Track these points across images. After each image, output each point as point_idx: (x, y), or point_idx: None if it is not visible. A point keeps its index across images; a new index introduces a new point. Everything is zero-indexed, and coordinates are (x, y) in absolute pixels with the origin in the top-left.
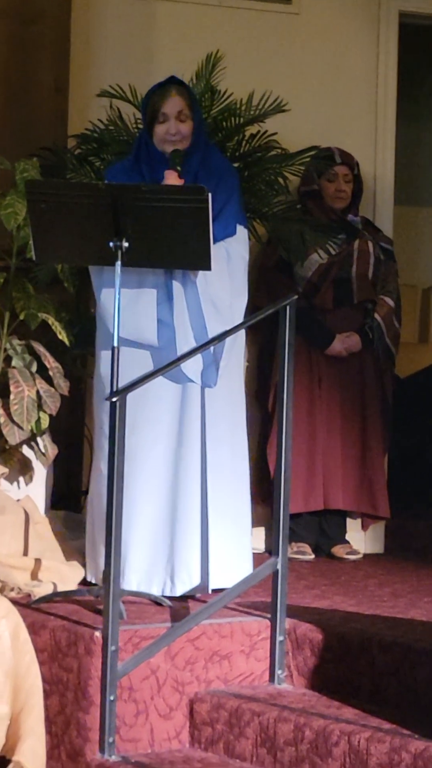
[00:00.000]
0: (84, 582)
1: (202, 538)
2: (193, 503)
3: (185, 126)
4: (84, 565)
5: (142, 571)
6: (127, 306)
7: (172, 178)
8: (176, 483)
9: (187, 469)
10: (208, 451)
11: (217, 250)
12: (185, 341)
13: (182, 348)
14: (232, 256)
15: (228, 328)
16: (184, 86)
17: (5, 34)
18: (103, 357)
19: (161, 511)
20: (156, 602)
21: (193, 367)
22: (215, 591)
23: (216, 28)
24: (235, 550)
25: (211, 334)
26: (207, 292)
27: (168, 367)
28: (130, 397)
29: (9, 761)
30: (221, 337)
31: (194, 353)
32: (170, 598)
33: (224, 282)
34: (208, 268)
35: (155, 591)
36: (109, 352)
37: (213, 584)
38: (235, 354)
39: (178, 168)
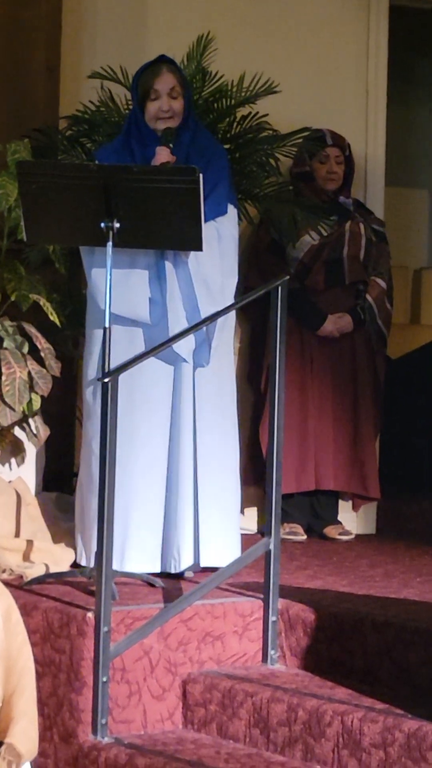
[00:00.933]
0: (75, 564)
1: (194, 517)
2: (187, 483)
3: (177, 103)
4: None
5: (142, 550)
6: (118, 283)
7: (163, 155)
8: (172, 463)
9: (182, 449)
10: (198, 430)
11: (207, 230)
12: (177, 321)
13: (174, 328)
14: (222, 236)
15: (219, 307)
16: (174, 65)
17: None
18: (94, 337)
19: (160, 490)
20: (148, 583)
21: (185, 346)
22: (206, 569)
23: (207, 10)
24: (225, 528)
25: (204, 314)
26: (199, 272)
27: (161, 347)
28: (124, 377)
29: (1, 743)
30: (214, 317)
31: (187, 333)
32: (163, 577)
33: (215, 262)
34: (199, 248)
35: (154, 569)
36: (100, 331)
37: (204, 562)
38: (226, 334)
39: (170, 145)
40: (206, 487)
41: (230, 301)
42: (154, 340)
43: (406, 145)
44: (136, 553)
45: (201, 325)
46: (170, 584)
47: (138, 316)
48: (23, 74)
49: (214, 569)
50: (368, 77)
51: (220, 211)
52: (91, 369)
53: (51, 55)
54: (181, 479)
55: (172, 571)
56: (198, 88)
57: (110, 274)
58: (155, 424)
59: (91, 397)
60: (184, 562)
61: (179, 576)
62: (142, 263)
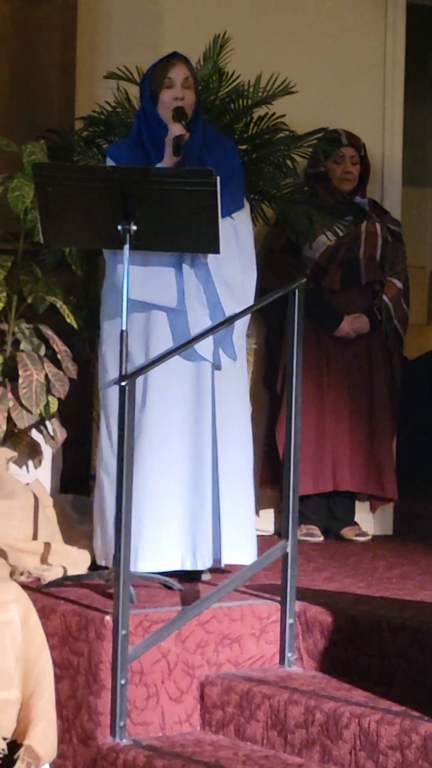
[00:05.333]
0: (92, 567)
1: (214, 514)
2: (208, 481)
3: (190, 94)
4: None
5: (160, 547)
6: (140, 273)
7: (176, 128)
8: (193, 460)
9: (202, 450)
10: (218, 431)
11: (224, 227)
12: (197, 322)
13: (194, 328)
14: (239, 233)
15: (241, 305)
16: (188, 60)
17: (12, 14)
18: (109, 331)
19: (179, 489)
20: (166, 586)
21: (206, 347)
22: (224, 571)
23: (223, 10)
24: (246, 528)
25: (228, 313)
26: (219, 272)
27: (180, 349)
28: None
29: (20, 745)
30: (235, 318)
31: (210, 333)
32: (182, 578)
33: (235, 261)
34: (216, 251)
35: (174, 566)
36: (114, 324)
37: (226, 560)
38: (243, 335)
39: (182, 122)
40: (227, 488)
41: (251, 297)
42: (178, 325)
43: (423, 144)
44: (151, 551)
45: (222, 326)
46: (187, 587)
47: (164, 302)
48: (38, 74)
49: (233, 569)
50: (385, 77)
51: (237, 206)
52: (109, 364)
53: (66, 55)
54: (204, 478)
55: (200, 567)
56: (215, 88)
57: (127, 277)
58: (173, 424)
59: (105, 395)
60: (208, 559)
61: (197, 578)
62: (163, 262)
